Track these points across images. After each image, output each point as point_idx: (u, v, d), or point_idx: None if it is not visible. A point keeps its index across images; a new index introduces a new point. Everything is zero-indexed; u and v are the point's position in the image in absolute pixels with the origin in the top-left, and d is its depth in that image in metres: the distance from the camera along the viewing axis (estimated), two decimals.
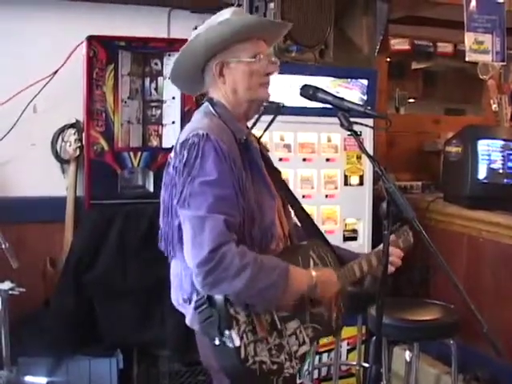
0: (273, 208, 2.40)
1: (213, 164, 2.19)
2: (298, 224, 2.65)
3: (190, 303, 2.31)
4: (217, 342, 2.16)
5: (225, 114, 2.38)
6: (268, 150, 2.65)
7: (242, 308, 2.18)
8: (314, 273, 2.34)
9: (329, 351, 4.57)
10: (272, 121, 2.51)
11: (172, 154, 2.35)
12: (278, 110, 2.50)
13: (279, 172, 2.62)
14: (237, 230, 2.20)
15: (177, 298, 2.41)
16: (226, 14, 2.39)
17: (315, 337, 2.44)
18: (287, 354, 2.29)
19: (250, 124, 2.51)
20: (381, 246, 2.57)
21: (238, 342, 2.13)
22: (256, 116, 2.48)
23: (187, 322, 2.37)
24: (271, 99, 2.47)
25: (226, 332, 2.13)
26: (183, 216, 2.21)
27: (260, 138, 2.59)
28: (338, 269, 2.52)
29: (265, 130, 2.56)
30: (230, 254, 2.11)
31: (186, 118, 4.31)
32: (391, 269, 2.57)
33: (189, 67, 2.44)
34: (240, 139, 2.34)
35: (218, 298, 2.15)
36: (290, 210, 2.61)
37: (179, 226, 2.26)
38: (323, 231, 2.70)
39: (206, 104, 2.43)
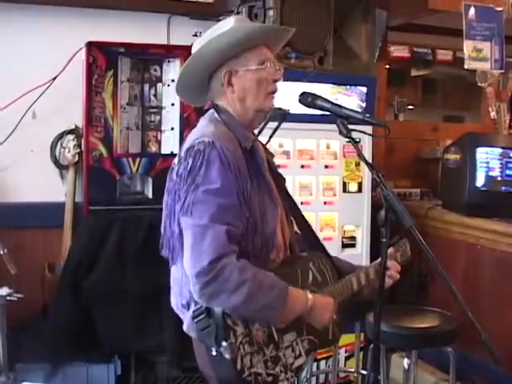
0: (275, 217, 2.39)
1: (217, 172, 2.18)
2: (299, 233, 2.64)
3: (188, 309, 2.30)
4: (213, 352, 2.15)
5: (230, 121, 2.37)
6: (273, 156, 2.63)
7: (240, 319, 2.18)
8: (310, 296, 2.33)
9: (327, 358, 4.56)
10: (277, 128, 2.52)
11: (176, 160, 2.34)
12: (284, 117, 2.50)
13: (284, 179, 2.61)
14: (239, 240, 2.19)
15: (176, 302, 2.40)
16: (230, 22, 2.38)
17: (311, 349, 2.44)
18: (283, 367, 2.28)
19: (255, 131, 2.51)
20: (379, 259, 2.58)
21: (234, 354, 2.13)
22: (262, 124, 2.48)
23: (184, 328, 2.36)
24: (278, 106, 2.47)
25: (223, 343, 2.12)
26: (185, 224, 2.20)
27: (266, 144, 2.59)
28: (336, 282, 2.52)
29: (270, 137, 2.57)
30: (229, 267, 2.10)
31: (185, 124, 4.32)
32: (389, 282, 2.57)
33: (195, 77, 2.42)
34: (246, 147, 2.33)
35: (217, 308, 2.14)
36: (292, 218, 2.60)
37: (181, 232, 2.24)
38: (322, 239, 2.70)
39: (212, 111, 2.42)
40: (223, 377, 2.19)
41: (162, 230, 2.39)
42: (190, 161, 2.22)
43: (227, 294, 2.11)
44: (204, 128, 2.35)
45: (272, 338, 2.27)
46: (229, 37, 2.32)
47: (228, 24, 2.37)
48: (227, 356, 2.12)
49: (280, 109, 2.49)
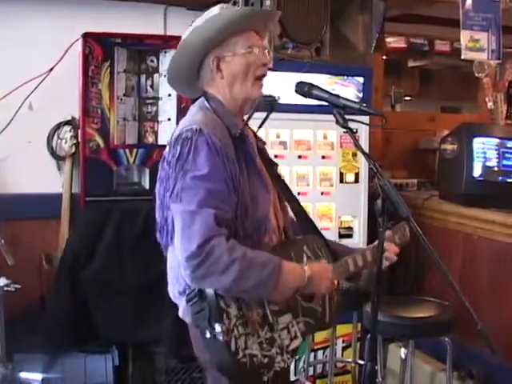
0: (267, 201, 2.40)
1: (205, 158, 2.20)
2: (294, 218, 2.65)
3: (184, 295, 2.31)
4: (207, 335, 2.17)
5: (219, 109, 2.39)
6: (265, 143, 2.66)
7: (233, 301, 2.19)
8: (306, 267, 2.33)
9: (324, 348, 4.57)
10: (267, 116, 2.52)
11: (167, 149, 2.36)
12: (274, 104, 2.51)
13: (276, 165, 2.63)
14: (228, 224, 2.21)
15: (173, 290, 2.43)
16: (215, 9, 2.41)
17: (307, 331, 2.44)
18: (279, 348, 2.29)
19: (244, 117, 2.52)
20: (376, 242, 2.58)
21: (228, 336, 2.14)
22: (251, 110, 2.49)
23: (180, 313, 2.40)
24: (268, 93, 2.48)
25: (217, 325, 2.14)
26: (175, 210, 2.23)
27: (257, 131, 2.60)
28: (331, 264, 2.53)
29: (260, 126, 2.58)
30: (218, 248, 2.12)
31: (181, 114, 4.30)
32: (385, 263, 2.57)
33: (185, 65, 2.45)
34: (235, 134, 2.35)
35: (209, 291, 2.16)
36: (286, 203, 2.61)
37: (173, 220, 2.27)
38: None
39: (202, 99, 2.45)
40: (218, 360, 2.21)
41: (157, 218, 2.41)
42: (179, 148, 2.25)
43: (217, 275, 2.12)
44: (193, 116, 2.39)
45: (267, 320, 2.28)
46: (214, 23, 2.34)
47: (213, 12, 2.40)
48: (221, 338, 2.14)
49: (269, 96, 2.50)
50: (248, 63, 2.38)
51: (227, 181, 2.22)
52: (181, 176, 2.21)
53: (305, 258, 2.46)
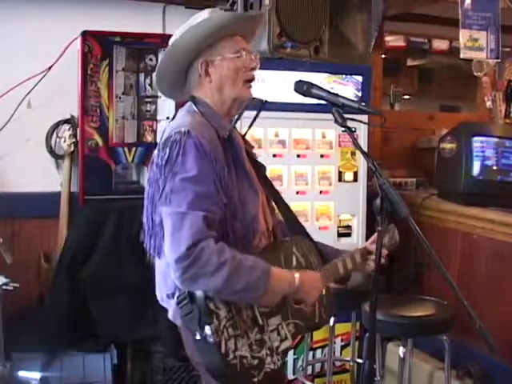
0: (256, 203, 2.42)
1: (193, 160, 2.22)
2: (282, 220, 2.66)
3: (173, 298, 2.33)
4: (198, 336, 2.18)
5: (207, 112, 2.41)
6: (252, 147, 2.68)
7: (223, 303, 2.20)
8: (296, 275, 2.34)
9: (323, 347, 4.57)
10: (255, 117, 2.55)
11: (155, 152, 2.37)
12: (262, 106, 2.53)
13: (264, 168, 2.65)
14: (217, 226, 2.23)
15: (161, 294, 2.45)
16: (205, 14, 2.42)
17: (297, 332, 2.45)
18: (268, 350, 2.30)
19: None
20: (365, 243, 2.62)
21: (218, 337, 2.15)
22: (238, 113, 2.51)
23: (170, 316, 2.43)
24: (254, 96, 2.50)
25: (206, 327, 2.15)
26: (164, 213, 2.24)
27: (245, 134, 2.62)
28: (321, 267, 2.54)
29: (249, 127, 2.61)
30: (207, 250, 2.13)
31: None
32: (372, 266, 2.58)
33: (173, 69, 2.46)
34: (223, 136, 2.36)
35: (199, 293, 2.17)
36: (274, 205, 2.62)
37: (161, 223, 2.28)
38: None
39: (190, 103, 2.46)
40: (209, 361, 2.22)
41: (144, 222, 2.41)
42: (167, 151, 2.26)
43: (207, 277, 2.13)
44: (181, 119, 2.40)
45: (256, 322, 2.29)
46: (202, 27, 2.36)
47: (201, 16, 2.41)
48: (211, 340, 2.15)
49: (256, 98, 2.52)
50: (236, 67, 2.40)
51: (216, 182, 2.24)
52: (170, 178, 2.22)
53: (294, 261, 2.47)
